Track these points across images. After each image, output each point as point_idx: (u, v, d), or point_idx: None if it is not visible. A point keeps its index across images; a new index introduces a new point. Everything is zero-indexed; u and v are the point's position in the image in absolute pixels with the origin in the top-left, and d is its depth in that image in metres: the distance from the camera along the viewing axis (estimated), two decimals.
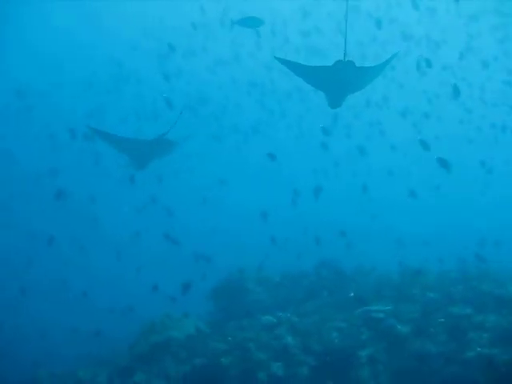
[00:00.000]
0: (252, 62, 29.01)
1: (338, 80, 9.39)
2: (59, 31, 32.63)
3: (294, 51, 26.29)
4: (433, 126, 23.69)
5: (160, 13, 31.05)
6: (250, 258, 15.43)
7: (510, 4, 22.73)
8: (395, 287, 11.71)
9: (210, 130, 27.76)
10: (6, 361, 13.80)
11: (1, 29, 30.86)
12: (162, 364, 10.42)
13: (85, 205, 21.45)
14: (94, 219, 22.54)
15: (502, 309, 9.93)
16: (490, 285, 10.97)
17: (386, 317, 10.34)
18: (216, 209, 25.38)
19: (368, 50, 24.09)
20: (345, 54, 8.88)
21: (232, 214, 25.18)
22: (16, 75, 31.55)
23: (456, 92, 12.88)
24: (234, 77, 29.45)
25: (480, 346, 8.92)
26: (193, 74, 32.02)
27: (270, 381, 9.32)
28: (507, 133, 23.45)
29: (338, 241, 14.23)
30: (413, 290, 11.25)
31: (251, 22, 13.92)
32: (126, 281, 17.68)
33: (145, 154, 12.44)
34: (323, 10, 26.40)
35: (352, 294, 11.99)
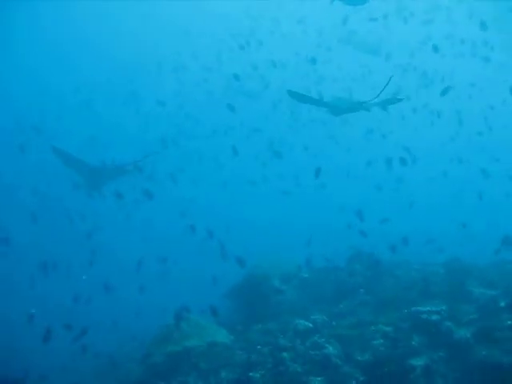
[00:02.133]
0: None
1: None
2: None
3: None
4: None
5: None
6: (272, 250, 14.04)
7: None
8: (444, 283, 10.26)
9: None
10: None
11: None
12: (181, 378, 9.01)
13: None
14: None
15: None
16: None
17: (441, 319, 8.90)
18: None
19: None
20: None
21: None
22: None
23: None
24: None
25: None
26: None
27: None
28: None
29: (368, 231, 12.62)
30: (467, 286, 9.79)
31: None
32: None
33: (100, 179, 13.27)
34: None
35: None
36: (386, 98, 10.85)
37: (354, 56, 26.16)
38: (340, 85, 23.44)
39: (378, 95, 10.66)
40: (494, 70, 25.37)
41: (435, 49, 13.30)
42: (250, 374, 8.35)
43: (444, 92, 13.41)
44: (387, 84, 9.85)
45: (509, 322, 8.28)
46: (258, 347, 9.22)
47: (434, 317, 8.95)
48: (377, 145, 23.58)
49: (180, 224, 15.43)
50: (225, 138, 23.22)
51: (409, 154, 13.65)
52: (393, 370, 8.13)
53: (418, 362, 8.25)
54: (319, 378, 8.06)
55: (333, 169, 22.30)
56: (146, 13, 31.88)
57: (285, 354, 8.51)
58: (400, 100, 10.99)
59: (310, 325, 9.48)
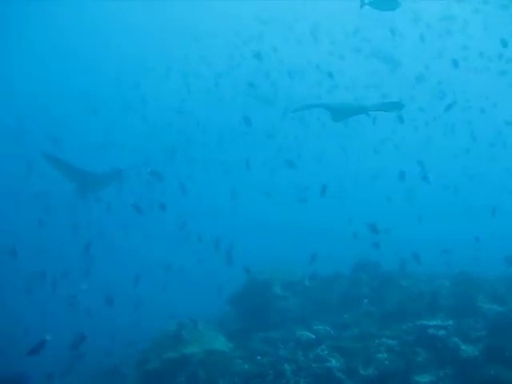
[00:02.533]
0: None
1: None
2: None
3: None
4: None
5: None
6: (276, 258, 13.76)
7: None
8: (452, 297, 9.96)
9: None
10: None
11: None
12: None
13: None
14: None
15: None
16: None
17: (448, 334, 8.61)
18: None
19: None
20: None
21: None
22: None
23: None
24: None
25: None
26: None
27: None
28: None
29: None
30: (476, 301, 9.48)
31: (386, 4, 11.73)
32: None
33: (92, 185, 13.48)
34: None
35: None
36: (387, 102, 10.69)
37: (367, 64, 25.72)
38: (352, 93, 23.03)
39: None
40: (510, 84, 24.90)
41: (455, 64, 13.01)
42: None
43: (448, 108, 13.29)
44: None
45: None
46: (258, 357, 8.96)
47: (441, 332, 8.67)
48: (389, 155, 23.23)
49: (185, 231, 15.04)
50: (235, 144, 22.77)
51: (422, 167, 13.26)
52: None
53: (424, 378, 7.99)
54: None
55: (342, 178, 22.01)
56: (158, 14, 31.49)
57: (286, 366, 8.25)
58: (401, 105, 10.56)
59: (313, 336, 9.20)
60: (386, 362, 8.38)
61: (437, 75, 22.41)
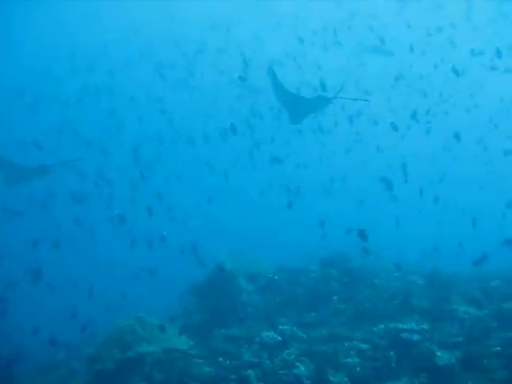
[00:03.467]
0: None
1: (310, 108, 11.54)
2: None
3: None
4: None
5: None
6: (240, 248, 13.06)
7: None
8: (425, 297, 9.48)
9: None
10: None
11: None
12: None
13: None
14: None
15: None
16: None
17: (423, 340, 8.12)
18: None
19: None
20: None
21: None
22: None
23: None
24: None
25: None
26: None
27: None
28: None
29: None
30: (450, 302, 9.01)
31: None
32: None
33: (19, 177, 13.06)
34: None
35: None
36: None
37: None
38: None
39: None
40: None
41: (455, 72, 12.46)
42: None
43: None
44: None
45: (497, 349, 7.55)
46: (220, 359, 8.26)
47: (416, 337, 8.20)
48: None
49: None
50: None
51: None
52: None
53: None
54: None
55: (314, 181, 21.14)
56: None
57: (250, 372, 7.58)
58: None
59: (279, 338, 8.57)
60: (358, 369, 7.85)
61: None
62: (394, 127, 11.39)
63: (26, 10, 28.46)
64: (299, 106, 11.75)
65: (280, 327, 9.07)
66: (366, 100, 13.49)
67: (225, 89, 25.22)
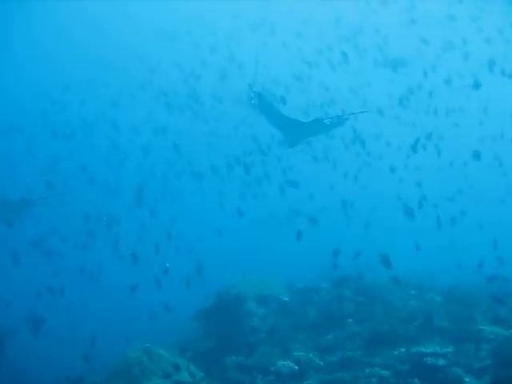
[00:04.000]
0: None
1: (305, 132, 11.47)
2: None
3: None
4: None
5: None
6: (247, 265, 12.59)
7: None
8: (447, 316, 8.98)
9: None
10: None
11: None
12: None
13: None
14: None
15: None
16: None
17: (448, 364, 7.60)
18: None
19: None
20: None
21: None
22: None
23: None
24: None
25: None
26: None
27: None
28: None
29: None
30: (474, 322, 8.51)
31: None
32: None
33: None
34: None
35: None
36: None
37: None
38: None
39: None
40: None
41: (477, 85, 12.16)
42: None
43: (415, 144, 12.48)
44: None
45: None
46: None
47: (441, 361, 7.67)
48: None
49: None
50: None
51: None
52: None
53: None
54: None
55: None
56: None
57: None
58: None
59: (295, 367, 8.04)
60: None
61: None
62: (414, 149, 11.17)
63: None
64: (294, 130, 11.48)
65: (295, 354, 8.56)
66: (364, 112, 13.31)
67: (229, 113, 24.45)
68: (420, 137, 13.08)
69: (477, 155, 11.93)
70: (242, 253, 18.36)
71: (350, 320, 9.67)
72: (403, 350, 8.26)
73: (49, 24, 28.77)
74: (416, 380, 7.50)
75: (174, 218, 19.15)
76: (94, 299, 14.44)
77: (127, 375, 8.61)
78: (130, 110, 25.24)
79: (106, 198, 20.02)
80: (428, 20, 22.02)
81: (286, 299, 10.99)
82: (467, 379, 7.25)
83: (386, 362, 8.10)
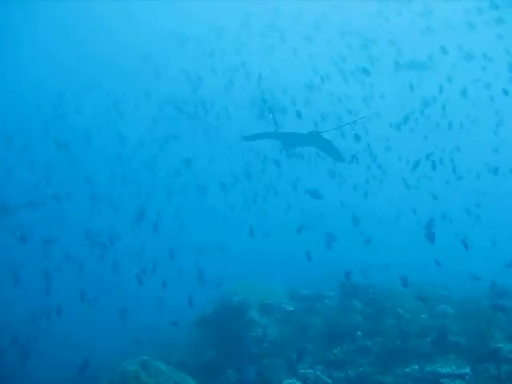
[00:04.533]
0: None
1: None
2: None
3: None
4: None
5: None
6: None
7: None
8: (462, 332, 8.52)
9: None
10: None
11: None
12: None
13: None
14: None
15: None
16: None
17: None
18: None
19: None
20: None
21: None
22: None
23: None
24: None
25: None
26: None
27: None
28: None
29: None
30: (492, 339, 8.05)
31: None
32: None
33: None
34: None
35: None
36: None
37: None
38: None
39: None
40: None
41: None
42: None
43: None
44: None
45: None
46: None
47: (458, 383, 7.22)
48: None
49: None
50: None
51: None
52: None
53: None
54: None
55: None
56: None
57: None
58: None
59: None
60: None
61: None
62: (434, 167, 10.91)
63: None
64: (290, 139, 11.19)
65: (302, 371, 8.10)
66: (363, 118, 13.34)
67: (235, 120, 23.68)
68: (432, 151, 12.86)
69: (495, 171, 11.68)
70: (242, 253, 17.87)
71: (359, 333, 9.20)
72: (416, 367, 7.83)
73: (53, 24, 28.13)
74: None
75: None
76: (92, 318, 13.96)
77: None
78: (133, 118, 24.57)
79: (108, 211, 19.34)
80: (444, 26, 21.46)
81: (291, 309, 10.50)
82: None
83: (399, 380, 7.67)
